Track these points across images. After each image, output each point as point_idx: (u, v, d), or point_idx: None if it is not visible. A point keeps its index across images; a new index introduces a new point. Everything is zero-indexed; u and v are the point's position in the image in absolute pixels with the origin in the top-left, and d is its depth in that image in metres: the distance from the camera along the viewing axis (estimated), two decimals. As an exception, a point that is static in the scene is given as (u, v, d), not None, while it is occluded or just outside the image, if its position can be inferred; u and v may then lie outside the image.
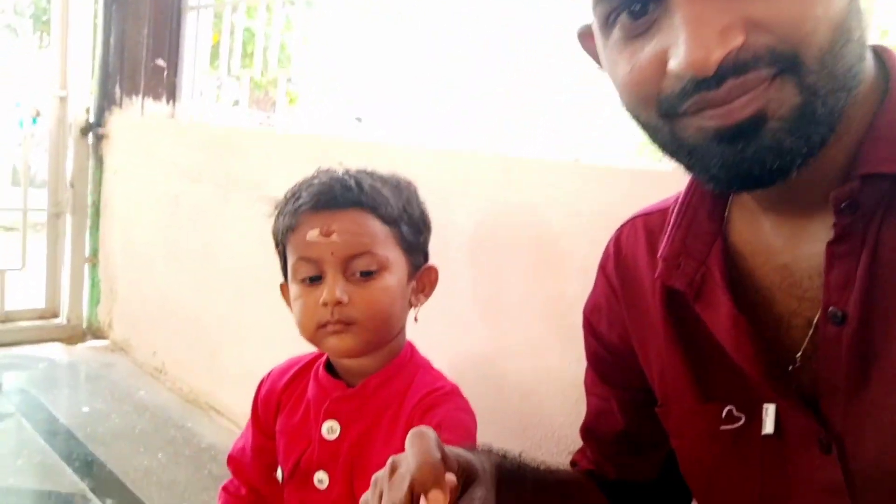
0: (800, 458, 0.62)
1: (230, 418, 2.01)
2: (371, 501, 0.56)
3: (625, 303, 0.77)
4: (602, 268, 0.82)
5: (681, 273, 0.67)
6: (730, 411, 0.67)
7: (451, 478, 0.53)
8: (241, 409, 1.98)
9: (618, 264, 0.79)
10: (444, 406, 0.97)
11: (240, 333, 1.99)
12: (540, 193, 1.23)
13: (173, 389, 2.24)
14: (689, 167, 0.58)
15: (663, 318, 0.71)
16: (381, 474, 0.57)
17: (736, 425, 0.66)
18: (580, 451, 0.88)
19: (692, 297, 0.67)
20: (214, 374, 2.11)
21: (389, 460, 0.57)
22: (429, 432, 0.55)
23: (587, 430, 0.86)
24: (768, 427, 0.63)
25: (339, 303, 0.93)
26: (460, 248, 1.33)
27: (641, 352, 0.76)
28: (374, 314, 0.95)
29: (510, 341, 1.25)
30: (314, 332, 0.97)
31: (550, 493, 0.71)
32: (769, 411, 0.64)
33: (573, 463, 0.88)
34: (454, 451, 0.57)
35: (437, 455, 0.54)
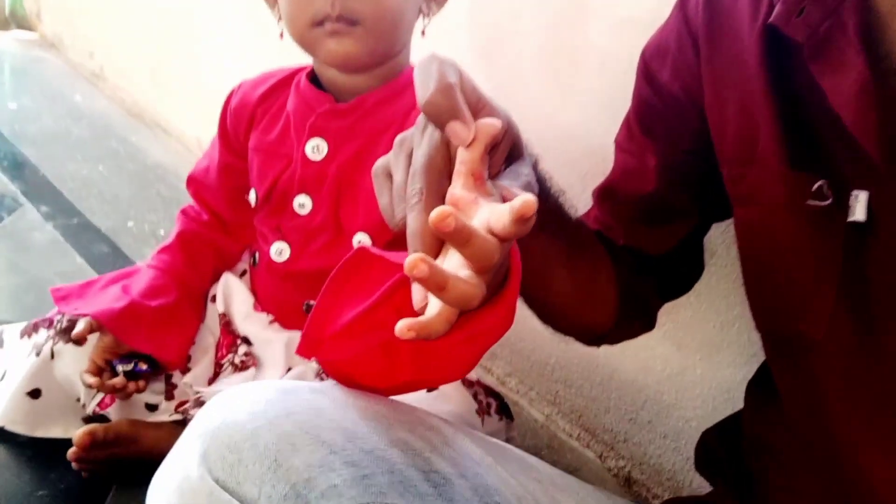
0: (886, 253, 0.55)
1: (180, 140, 1.82)
2: (395, 162, 0.44)
3: (707, 48, 0.65)
4: (681, 3, 0.68)
5: (802, 21, 0.55)
6: (820, 187, 0.58)
7: (490, 122, 0.40)
8: (193, 132, 1.79)
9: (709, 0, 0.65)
10: None
11: (193, 48, 1.74)
12: None
13: (114, 99, 2.00)
14: None
15: (762, 69, 0.60)
16: (407, 133, 0.45)
17: (823, 203, 0.58)
18: (586, 214, 0.78)
19: (810, 54, 0.55)
20: (163, 88, 1.88)
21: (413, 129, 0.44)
22: (447, 58, 0.41)
23: (606, 190, 0.76)
24: (858, 214, 0.56)
25: None
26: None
27: (715, 107, 0.65)
28: (383, 14, 0.77)
29: (514, 97, 1.08)
30: (306, 31, 0.78)
31: (567, 226, 0.62)
32: (860, 198, 0.56)
33: (577, 219, 0.77)
34: (502, 109, 0.45)
35: (454, 79, 0.40)
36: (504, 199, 0.39)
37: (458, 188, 0.39)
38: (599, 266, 0.70)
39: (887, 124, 0.52)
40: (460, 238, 0.33)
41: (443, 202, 0.39)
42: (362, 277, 0.56)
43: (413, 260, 0.31)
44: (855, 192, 0.56)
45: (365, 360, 0.54)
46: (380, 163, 0.45)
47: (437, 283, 0.33)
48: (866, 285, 0.57)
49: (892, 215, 0.55)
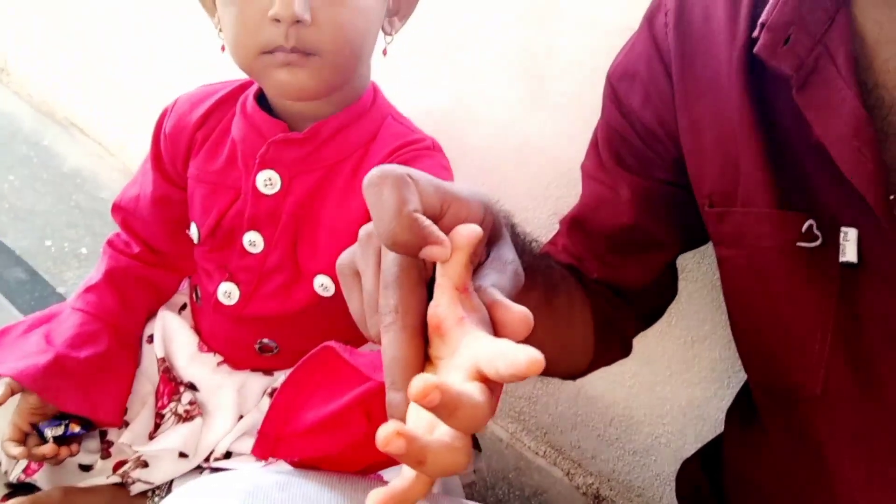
0: (878, 293, 0.53)
1: (97, 140, 1.68)
2: (363, 262, 0.37)
3: (680, 74, 0.60)
4: (648, 22, 0.64)
5: (789, 51, 0.51)
6: (810, 227, 0.55)
7: (469, 230, 0.34)
8: (110, 130, 1.65)
9: (679, 20, 0.60)
10: (424, 162, 0.75)
11: (112, 41, 1.59)
12: None
13: (21, 95, 1.83)
14: None
15: (743, 99, 0.56)
16: (371, 227, 0.37)
17: (813, 244, 0.55)
18: (552, 241, 0.73)
19: (798, 85, 0.52)
20: (76, 84, 1.72)
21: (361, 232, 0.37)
22: (396, 170, 0.34)
23: (576, 220, 0.71)
24: (850, 254, 0.53)
25: (298, 21, 0.65)
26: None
27: (692, 138, 0.61)
28: (343, 44, 0.68)
29: (478, 101, 1.01)
30: (254, 58, 0.69)
31: (540, 276, 0.57)
32: (850, 236, 0.53)
33: (544, 255, 0.73)
34: (471, 192, 0.38)
35: (413, 202, 0.33)
36: (490, 311, 0.34)
37: (442, 306, 0.33)
38: (574, 306, 0.66)
39: (881, 165, 0.49)
40: (446, 411, 0.27)
41: (422, 321, 0.33)
42: (327, 374, 0.51)
43: (387, 435, 0.26)
44: (844, 230, 0.53)
45: (331, 458, 0.50)
46: (344, 257, 0.37)
47: (415, 459, 0.27)
48: (861, 331, 0.55)
49: (884, 255, 0.52)
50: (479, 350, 0.30)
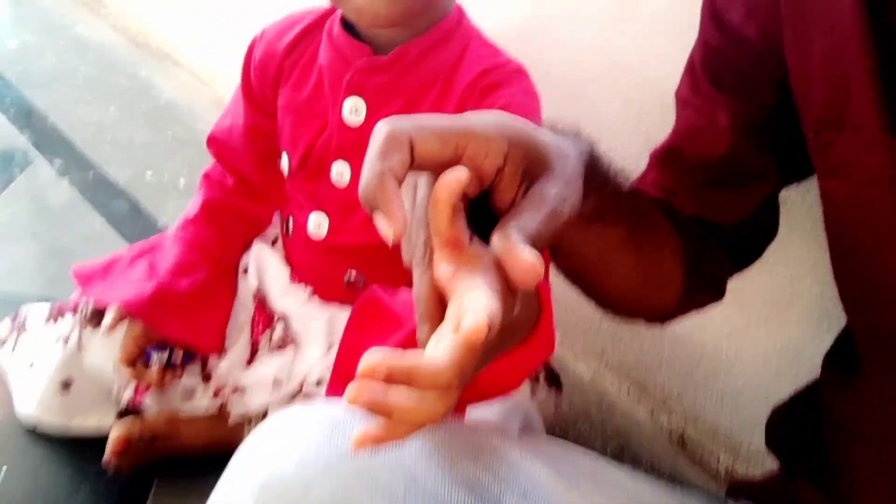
0: None
1: (192, 71, 1.72)
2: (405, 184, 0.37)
3: None
4: None
5: None
6: None
7: (450, 178, 0.33)
8: (204, 62, 1.68)
9: None
10: (510, 87, 0.73)
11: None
12: None
13: (117, 27, 1.88)
14: None
15: (857, 10, 0.50)
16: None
17: None
18: (643, 177, 0.70)
19: None
20: (169, 15, 1.76)
21: None
22: (393, 125, 0.34)
23: (668, 152, 0.67)
24: None
25: None
26: None
27: (798, 55, 0.56)
28: None
29: (562, 21, 0.96)
30: None
31: (624, 212, 0.55)
32: None
33: (631, 191, 0.70)
34: (497, 125, 0.37)
35: (395, 157, 0.33)
36: (501, 257, 0.33)
37: (440, 267, 0.33)
38: (663, 243, 0.63)
39: None
40: (400, 381, 0.30)
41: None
42: (382, 314, 0.53)
43: (352, 393, 0.28)
44: None
45: None
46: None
47: (382, 411, 0.29)
48: None
49: None
50: (460, 301, 0.31)
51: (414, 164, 0.34)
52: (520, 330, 0.42)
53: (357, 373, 0.28)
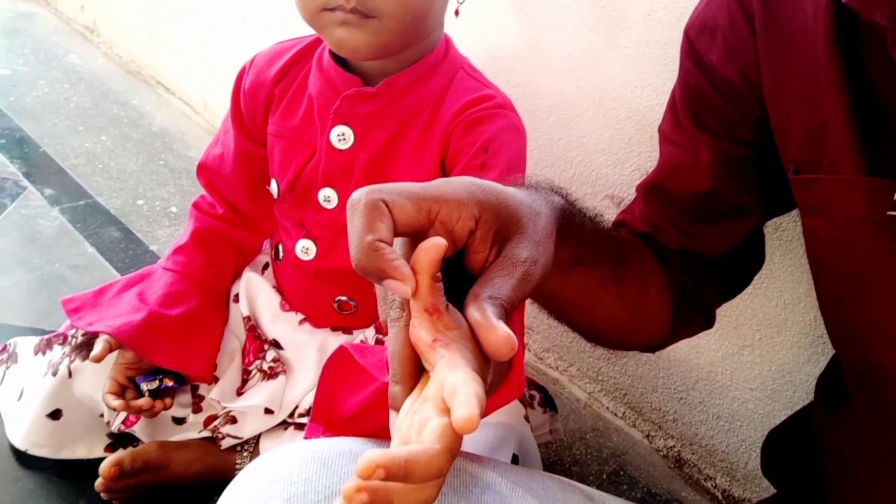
0: None
1: (184, 99, 1.73)
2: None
3: (764, 25, 0.56)
4: None
5: (883, 0, 0.46)
6: None
7: (429, 246, 0.34)
8: (196, 90, 1.69)
9: None
10: (494, 122, 0.74)
11: (194, 2, 1.62)
12: None
13: (110, 56, 1.89)
14: None
15: (832, 54, 0.51)
16: None
17: None
18: (628, 209, 0.70)
19: (892, 38, 0.46)
20: (160, 44, 1.77)
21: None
22: (372, 194, 0.35)
23: (653, 187, 0.67)
24: None
25: None
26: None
27: (776, 97, 0.56)
28: (405, 10, 0.67)
29: (551, 51, 0.97)
30: (315, 14, 0.69)
31: (605, 253, 0.55)
32: None
33: (620, 223, 0.70)
34: (466, 190, 0.37)
35: (382, 228, 0.34)
36: (474, 330, 0.34)
37: (415, 327, 0.34)
38: (648, 280, 0.63)
39: None
40: (398, 478, 0.29)
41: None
42: (355, 366, 0.54)
43: (348, 490, 0.28)
44: None
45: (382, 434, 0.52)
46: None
47: (384, 502, 0.29)
48: None
49: None
50: (443, 382, 0.31)
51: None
52: (493, 385, 0.42)
53: (356, 471, 0.28)
